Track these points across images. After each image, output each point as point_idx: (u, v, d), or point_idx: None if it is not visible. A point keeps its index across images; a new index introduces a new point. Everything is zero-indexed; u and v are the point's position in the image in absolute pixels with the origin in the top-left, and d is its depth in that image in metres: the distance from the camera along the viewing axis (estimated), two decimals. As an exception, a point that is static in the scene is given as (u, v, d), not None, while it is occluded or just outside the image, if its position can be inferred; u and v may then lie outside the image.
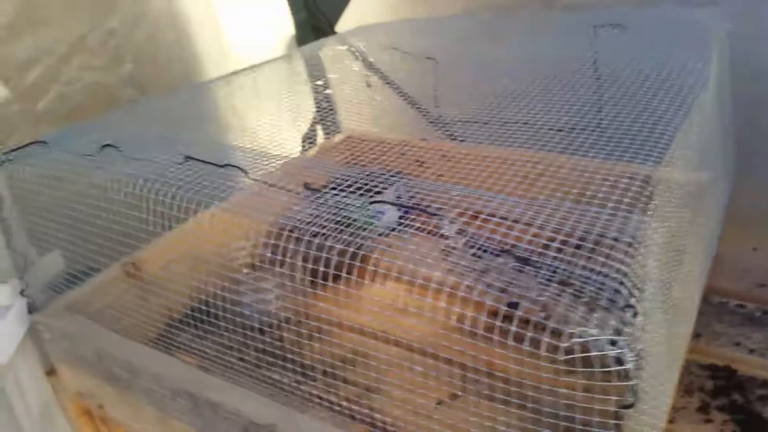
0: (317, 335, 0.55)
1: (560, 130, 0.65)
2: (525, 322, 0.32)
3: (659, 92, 0.57)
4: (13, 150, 0.64)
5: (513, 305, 0.32)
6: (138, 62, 0.94)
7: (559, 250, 0.36)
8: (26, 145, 0.64)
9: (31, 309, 0.70)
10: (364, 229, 0.43)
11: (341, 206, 0.45)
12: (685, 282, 0.57)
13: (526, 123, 0.67)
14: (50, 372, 0.75)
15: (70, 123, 0.74)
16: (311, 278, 0.45)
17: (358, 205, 0.47)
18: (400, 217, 0.48)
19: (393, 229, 0.47)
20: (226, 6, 1.12)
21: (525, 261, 0.35)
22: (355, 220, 0.44)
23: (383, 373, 0.48)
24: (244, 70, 0.87)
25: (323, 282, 0.43)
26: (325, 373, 0.58)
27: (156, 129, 0.66)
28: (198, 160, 0.52)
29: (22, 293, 0.69)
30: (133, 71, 0.93)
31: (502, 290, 0.33)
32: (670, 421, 0.58)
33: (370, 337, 0.55)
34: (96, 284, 0.72)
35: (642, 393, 0.33)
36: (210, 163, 0.51)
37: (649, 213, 0.39)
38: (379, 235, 0.43)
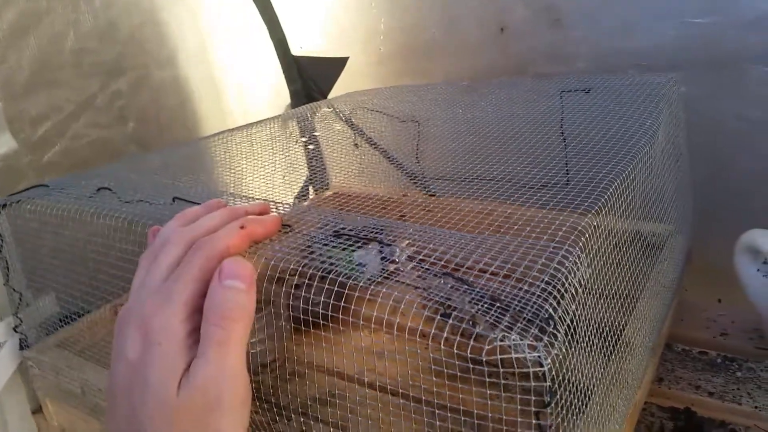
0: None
1: (523, 186, 0.71)
2: (455, 330, 0.35)
3: (606, 147, 0.62)
4: (16, 193, 0.69)
5: (445, 315, 0.36)
6: (141, 122, 1.01)
7: (493, 274, 0.40)
8: (29, 188, 0.69)
9: (23, 345, 0.73)
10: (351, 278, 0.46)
11: (326, 257, 0.49)
12: (640, 325, 0.60)
13: (493, 178, 0.73)
14: (36, 410, 0.77)
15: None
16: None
17: (341, 257, 0.51)
18: (382, 269, 0.51)
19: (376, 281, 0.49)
20: (228, 73, 1.21)
21: (461, 281, 0.39)
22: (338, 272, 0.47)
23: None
24: (240, 127, 0.93)
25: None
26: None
27: (152, 177, 0.72)
28: (185, 200, 0.57)
29: (15, 329, 0.72)
30: (136, 129, 1.00)
31: (438, 303, 0.37)
32: (631, 460, 0.60)
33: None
34: (86, 323, 0.75)
35: (565, 397, 0.36)
36: (196, 202, 0.56)
37: (577, 249, 0.43)
38: (362, 286, 0.46)
